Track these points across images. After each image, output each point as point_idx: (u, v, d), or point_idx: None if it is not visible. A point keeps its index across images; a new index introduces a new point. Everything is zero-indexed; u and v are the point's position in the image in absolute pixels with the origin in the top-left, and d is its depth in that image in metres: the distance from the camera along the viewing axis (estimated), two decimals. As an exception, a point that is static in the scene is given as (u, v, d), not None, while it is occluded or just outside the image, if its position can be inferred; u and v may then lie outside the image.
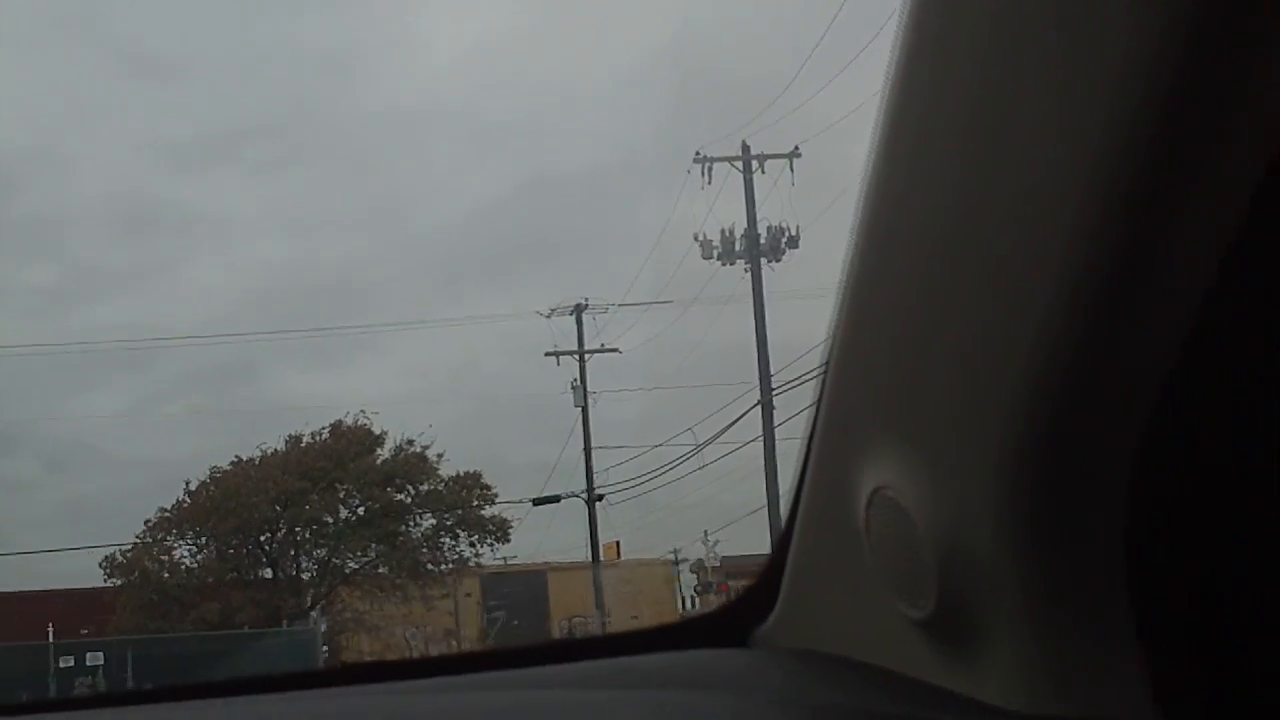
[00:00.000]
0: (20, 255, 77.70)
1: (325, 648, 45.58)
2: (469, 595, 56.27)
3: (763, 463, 41.24)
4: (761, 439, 41.47)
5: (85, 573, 54.13)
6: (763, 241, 43.17)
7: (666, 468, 47.77)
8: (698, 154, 43.79)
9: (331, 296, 77.14)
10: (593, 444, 52.98)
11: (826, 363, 1.61)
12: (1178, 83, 1.06)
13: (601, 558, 53.50)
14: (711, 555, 54.93)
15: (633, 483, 50.29)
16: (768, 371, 41.57)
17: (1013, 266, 1.25)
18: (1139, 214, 1.14)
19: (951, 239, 1.31)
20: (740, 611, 1.99)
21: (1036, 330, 1.24)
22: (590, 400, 53.10)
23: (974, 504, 1.39)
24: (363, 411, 54.39)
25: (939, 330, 1.37)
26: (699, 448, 45.27)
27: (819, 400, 1.65)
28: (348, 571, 54.36)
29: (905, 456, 1.47)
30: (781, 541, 1.86)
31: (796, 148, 42.55)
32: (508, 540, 55.04)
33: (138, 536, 53.24)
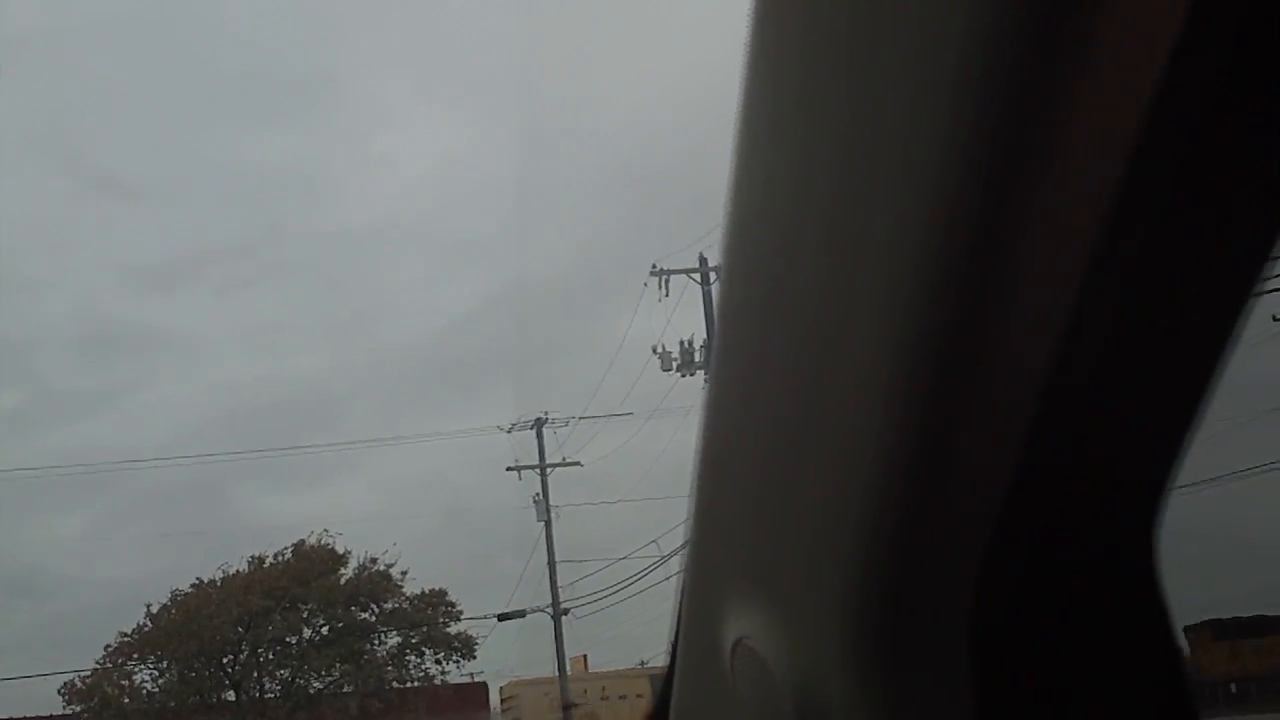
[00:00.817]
0: (-17, 378, 77.42)
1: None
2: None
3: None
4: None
5: (47, 699, 53.40)
6: (722, 352, 43.27)
7: (632, 579, 47.63)
8: (654, 267, 44.16)
9: (298, 414, 77.19)
10: (557, 558, 52.78)
11: (690, 515, 1.65)
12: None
13: (569, 671, 53.08)
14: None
15: (599, 595, 50.05)
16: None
17: (838, 422, 1.29)
18: (949, 368, 1.18)
19: (778, 389, 1.37)
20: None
21: (866, 485, 1.28)
22: (553, 514, 52.97)
23: (825, 654, 1.42)
24: (325, 531, 54.22)
25: (786, 486, 1.41)
26: (664, 559, 45.14)
27: (686, 550, 1.69)
28: (312, 692, 53.78)
29: (763, 608, 1.51)
30: (663, 689, 1.89)
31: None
32: (473, 656, 54.76)
33: (98, 662, 52.69)
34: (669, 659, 1.85)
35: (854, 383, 1.26)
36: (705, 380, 1.51)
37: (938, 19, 1.08)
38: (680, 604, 1.76)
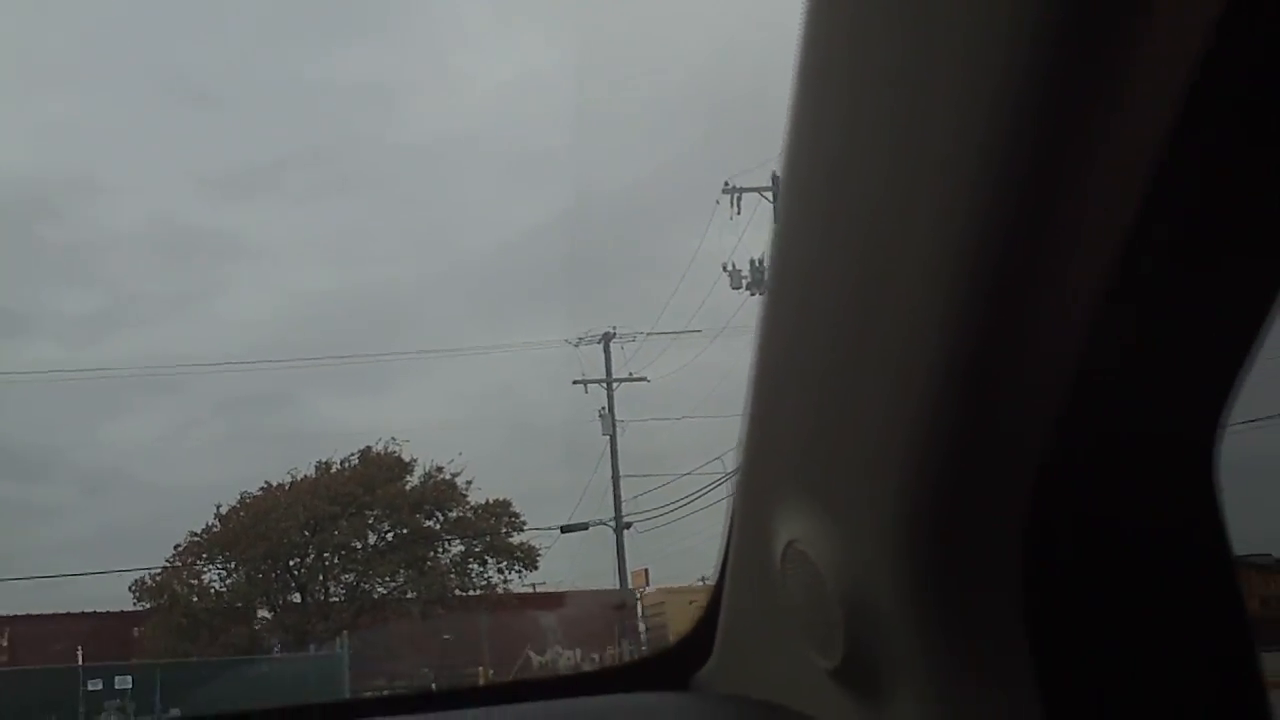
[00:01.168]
0: (60, 282, 78.23)
1: (350, 673, 45.61)
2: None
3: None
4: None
5: (118, 597, 54.47)
6: (792, 271, 43.04)
7: (695, 496, 47.73)
8: (726, 184, 43.92)
9: (370, 323, 77.47)
10: (620, 472, 53.04)
11: (745, 423, 1.69)
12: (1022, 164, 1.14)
13: (630, 585, 53.44)
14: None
15: (661, 511, 50.29)
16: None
17: (892, 336, 1.33)
18: (1001, 291, 1.22)
19: (834, 309, 1.41)
20: (681, 656, 2.06)
21: (919, 394, 1.32)
22: (619, 429, 53.15)
23: (875, 558, 1.46)
24: (393, 439, 54.61)
25: (840, 393, 1.45)
26: (727, 476, 45.15)
27: (738, 460, 1.73)
28: (376, 597, 54.50)
29: (814, 512, 1.55)
30: (715, 590, 1.94)
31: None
32: (536, 567, 55.14)
33: (167, 561, 53.56)
34: (720, 561, 1.90)
35: (909, 300, 1.30)
36: (763, 293, 1.55)
37: (972, 38, 1.14)
38: (733, 508, 1.81)
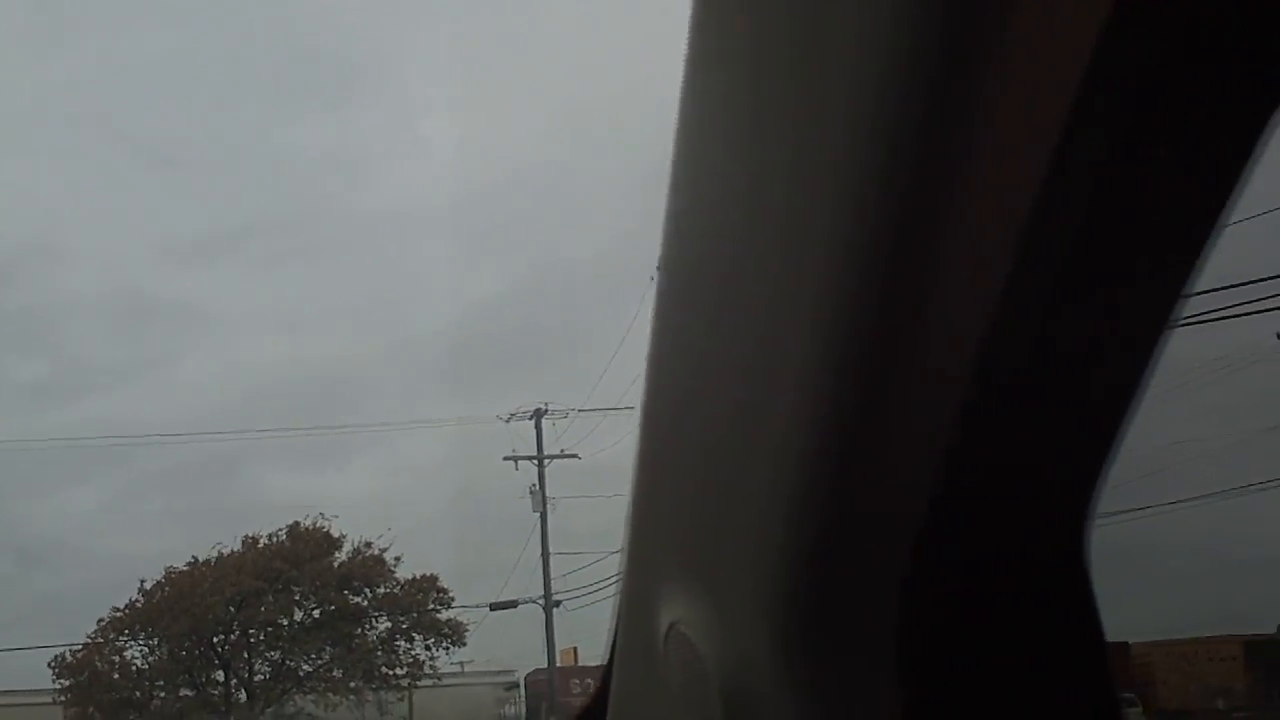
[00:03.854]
0: (10, 348, 77.61)
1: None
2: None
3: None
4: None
5: (43, 673, 53.47)
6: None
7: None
8: (660, 263, 44.05)
9: (317, 396, 77.20)
10: (551, 549, 52.79)
11: (630, 503, 1.69)
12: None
13: (559, 663, 53.10)
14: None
15: (591, 588, 50.04)
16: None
17: (759, 414, 1.33)
18: (869, 376, 1.22)
19: (706, 384, 1.41)
20: (570, 739, 2.04)
21: (794, 476, 1.32)
22: (550, 506, 52.98)
23: (752, 640, 1.45)
24: (321, 514, 54.18)
25: (718, 474, 1.45)
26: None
27: (626, 536, 1.73)
28: (301, 674, 53.83)
29: (695, 593, 1.54)
30: (605, 671, 1.93)
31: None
32: (464, 644, 54.78)
33: (89, 636, 52.69)
34: (610, 642, 1.89)
35: (786, 380, 1.30)
36: (647, 362, 1.55)
37: (860, 31, 1.12)
38: (621, 588, 1.80)
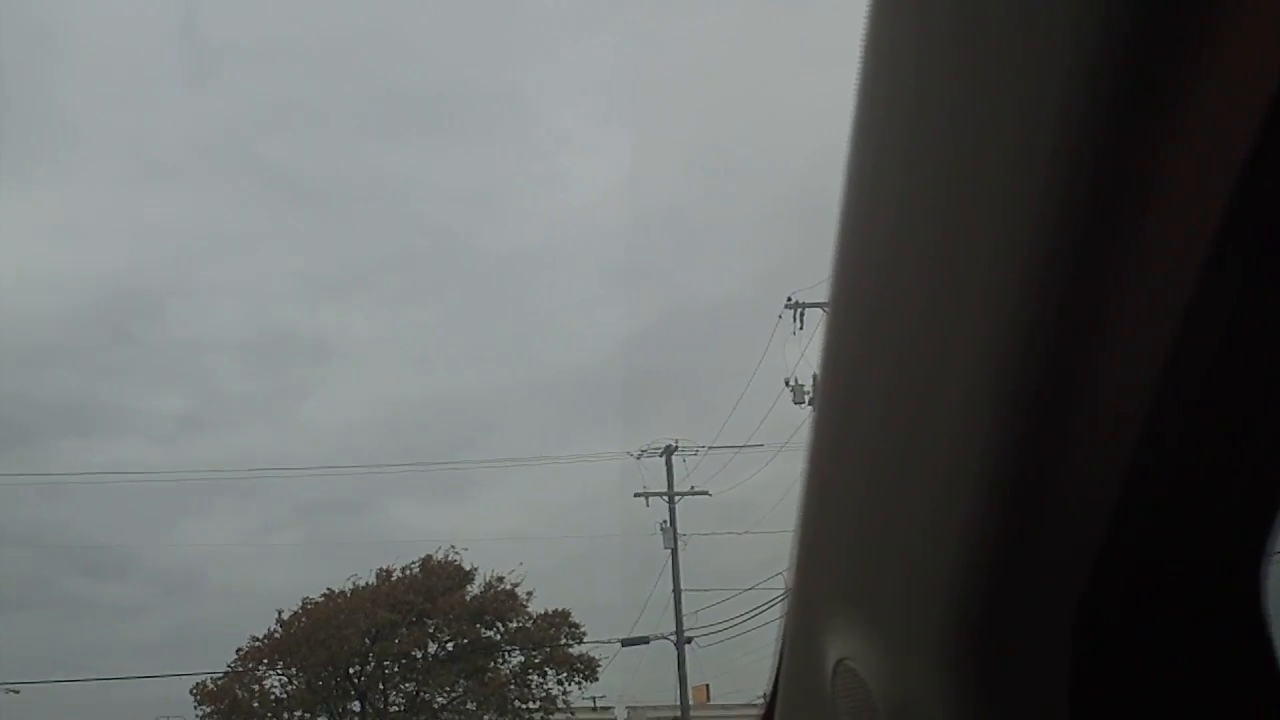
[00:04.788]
0: (154, 381, 79.56)
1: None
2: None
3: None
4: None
5: (185, 700, 54.53)
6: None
7: (757, 611, 47.28)
8: (789, 299, 44.00)
9: (447, 432, 78.06)
10: (683, 586, 52.67)
11: (794, 539, 1.69)
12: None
13: (690, 700, 52.91)
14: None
15: (723, 625, 49.84)
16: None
17: (935, 452, 1.33)
18: (1047, 406, 1.21)
19: (878, 425, 1.40)
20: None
21: (965, 512, 1.31)
22: (680, 542, 52.89)
23: (921, 675, 1.45)
24: (452, 547, 54.63)
25: (886, 507, 1.45)
26: (788, 591, 44.74)
27: (790, 577, 1.73)
28: (435, 707, 54.24)
29: (863, 629, 1.54)
30: (768, 709, 1.93)
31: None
32: (595, 679, 54.84)
33: (229, 665, 53.60)
34: (772, 678, 1.89)
35: (955, 411, 1.29)
36: (814, 403, 1.56)
37: (1041, 50, 1.11)
38: (785, 624, 1.80)
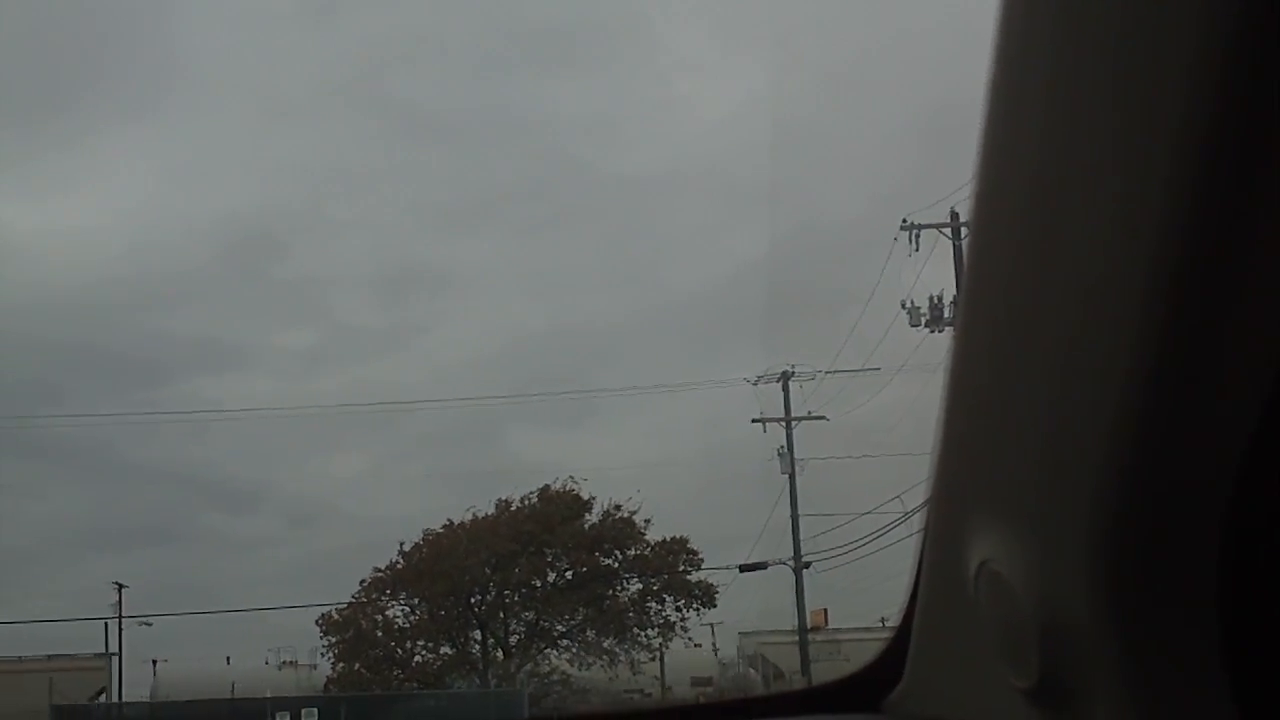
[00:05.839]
0: (281, 318, 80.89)
1: (530, 710, 45.97)
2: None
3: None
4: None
5: (310, 630, 55.76)
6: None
7: (875, 535, 47.18)
8: (904, 221, 43.55)
9: (567, 361, 78.54)
10: (800, 511, 52.73)
11: (936, 442, 1.70)
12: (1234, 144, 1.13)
13: (809, 624, 53.06)
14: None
15: (841, 550, 49.83)
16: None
17: (1087, 352, 1.33)
18: (1199, 293, 1.21)
19: (1028, 328, 1.41)
20: (872, 679, 2.07)
21: (1114, 410, 1.32)
22: (798, 468, 52.90)
23: (1069, 575, 1.46)
24: (571, 477, 55.04)
25: (1029, 412, 1.46)
26: (907, 515, 44.63)
27: (930, 482, 1.74)
28: (555, 634, 54.89)
29: (1006, 532, 1.55)
30: (906, 613, 1.95)
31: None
32: (714, 605, 55.09)
33: (354, 595, 54.58)
34: (911, 582, 1.91)
35: (1103, 312, 1.30)
36: (956, 310, 1.57)
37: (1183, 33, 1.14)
38: (925, 528, 1.82)
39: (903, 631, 1.98)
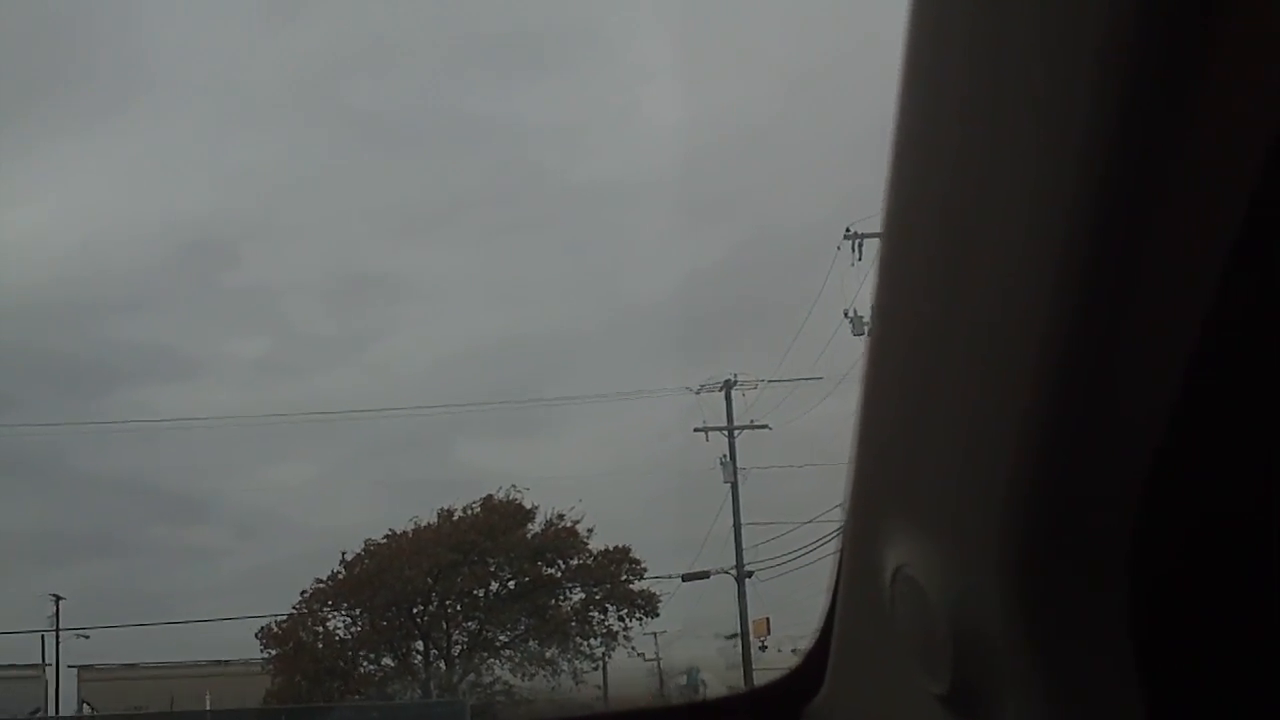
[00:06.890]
0: (233, 326, 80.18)
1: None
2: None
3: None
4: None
5: (251, 643, 55.31)
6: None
7: (817, 544, 47.32)
8: (848, 230, 43.78)
9: (509, 371, 78.28)
10: (742, 520, 52.82)
11: (853, 449, 1.70)
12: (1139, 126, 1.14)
13: (751, 634, 53.16)
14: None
15: (783, 559, 49.96)
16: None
17: (997, 362, 1.33)
18: (1105, 303, 1.22)
19: (941, 338, 1.41)
20: (791, 689, 2.06)
21: (1023, 418, 1.32)
22: (741, 476, 53.01)
23: (981, 581, 1.46)
24: (513, 486, 54.91)
25: (942, 419, 1.46)
26: (848, 500, 44.66)
27: (847, 489, 1.74)
28: (498, 644, 54.74)
29: (921, 537, 1.55)
30: (825, 620, 1.95)
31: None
32: (656, 615, 55.11)
33: (294, 607, 54.23)
34: (830, 590, 1.91)
35: (1010, 325, 1.30)
36: (871, 320, 1.57)
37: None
38: (843, 535, 1.81)
39: (823, 639, 1.98)
